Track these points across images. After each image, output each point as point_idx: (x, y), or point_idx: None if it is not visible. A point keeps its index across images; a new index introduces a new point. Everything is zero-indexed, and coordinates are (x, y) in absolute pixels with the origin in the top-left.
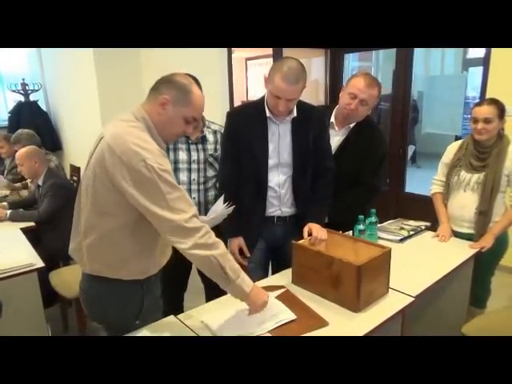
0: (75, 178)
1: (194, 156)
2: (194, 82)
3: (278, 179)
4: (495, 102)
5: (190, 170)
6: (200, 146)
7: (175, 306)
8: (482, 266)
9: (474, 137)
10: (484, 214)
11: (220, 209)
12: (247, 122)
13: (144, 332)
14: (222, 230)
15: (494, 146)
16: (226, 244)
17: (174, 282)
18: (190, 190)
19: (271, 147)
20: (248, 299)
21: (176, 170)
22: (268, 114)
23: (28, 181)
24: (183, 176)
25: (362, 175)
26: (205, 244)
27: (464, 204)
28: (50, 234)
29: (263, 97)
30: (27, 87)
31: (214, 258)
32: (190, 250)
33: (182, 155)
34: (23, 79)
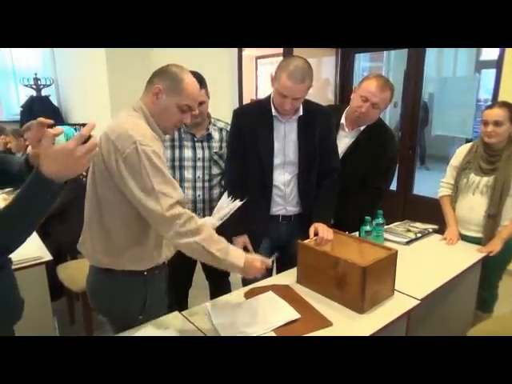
0: (84, 173)
1: (199, 154)
2: (187, 71)
3: (284, 178)
4: (506, 105)
5: (195, 168)
6: (205, 144)
7: (180, 302)
8: (490, 270)
9: (484, 139)
10: (493, 218)
11: (225, 204)
12: (253, 121)
13: (149, 327)
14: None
15: (505, 149)
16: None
17: (179, 278)
18: (194, 188)
19: (277, 146)
20: (243, 272)
21: (181, 167)
22: (274, 112)
23: None
24: (188, 173)
25: (369, 178)
26: (187, 232)
27: (472, 207)
28: (58, 227)
29: (269, 95)
30: (39, 82)
31: (196, 243)
32: (173, 240)
33: (188, 153)
34: (35, 74)
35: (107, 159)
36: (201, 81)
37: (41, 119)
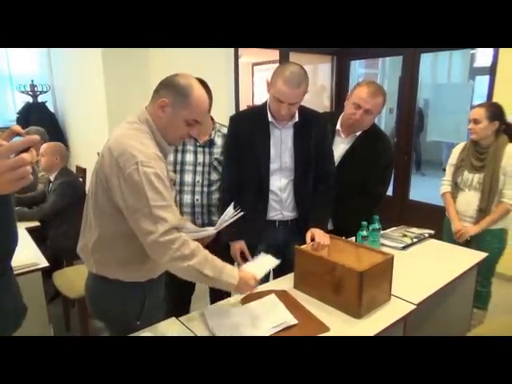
0: (81, 179)
1: (200, 159)
2: (197, 83)
3: (280, 183)
4: (486, 105)
5: (195, 172)
6: (207, 150)
7: (182, 309)
8: (483, 264)
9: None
10: (484, 212)
11: (228, 216)
12: (250, 127)
13: (145, 333)
14: (224, 237)
15: (491, 145)
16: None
17: (182, 285)
18: (193, 192)
19: (273, 152)
20: (237, 290)
21: (182, 171)
22: (270, 118)
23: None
24: (188, 177)
25: (366, 183)
26: (181, 256)
27: (468, 202)
28: (55, 231)
29: (265, 102)
30: (36, 88)
31: (191, 267)
32: (167, 264)
33: (189, 157)
34: (32, 80)
35: (109, 175)
36: (205, 87)
37: (15, 127)
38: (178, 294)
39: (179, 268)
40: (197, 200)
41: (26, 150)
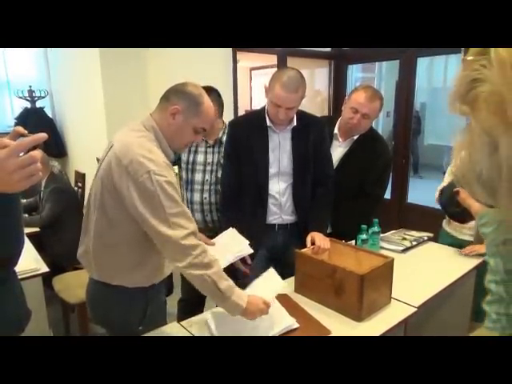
0: (80, 185)
1: (209, 158)
2: (204, 92)
3: (279, 187)
4: None
5: (204, 172)
6: (216, 149)
7: (196, 312)
8: (484, 277)
9: None
10: None
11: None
12: (248, 132)
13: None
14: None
15: None
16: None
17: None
18: (202, 190)
19: (272, 156)
20: (245, 314)
21: (193, 170)
22: (268, 123)
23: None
24: (198, 176)
25: (364, 185)
26: (200, 263)
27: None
28: (51, 239)
29: (264, 107)
30: (34, 94)
31: (208, 276)
32: (185, 269)
33: (200, 157)
34: (30, 86)
35: (118, 183)
36: (219, 96)
37: (18, 128)
38: (192, 297)
39: (196, 275)
40: (205, 198)
41: (33, 148)
